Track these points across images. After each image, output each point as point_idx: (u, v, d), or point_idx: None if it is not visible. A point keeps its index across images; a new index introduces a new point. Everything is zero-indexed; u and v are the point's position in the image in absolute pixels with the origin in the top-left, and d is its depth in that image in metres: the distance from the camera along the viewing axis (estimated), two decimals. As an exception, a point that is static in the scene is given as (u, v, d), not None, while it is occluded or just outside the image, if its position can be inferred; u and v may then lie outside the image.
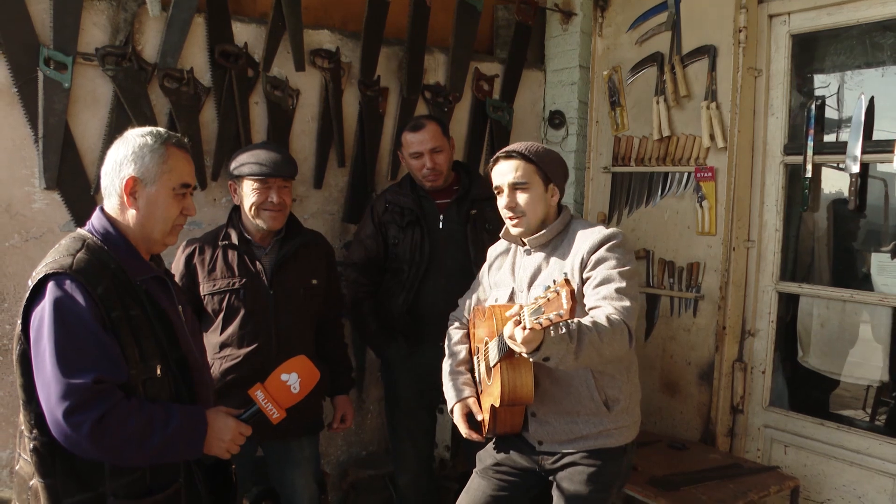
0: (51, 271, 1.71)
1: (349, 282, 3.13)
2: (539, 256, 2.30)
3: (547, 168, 2.24)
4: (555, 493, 2.31)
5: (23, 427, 1.78)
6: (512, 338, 1.84)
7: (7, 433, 2.71)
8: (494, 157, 2.30)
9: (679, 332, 3.52)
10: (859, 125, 2.95)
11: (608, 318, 1.96)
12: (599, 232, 2.18)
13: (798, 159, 3.17)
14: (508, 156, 2.25)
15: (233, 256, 2.62)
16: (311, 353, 2.70)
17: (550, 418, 2.27)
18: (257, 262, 2.62)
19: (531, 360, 1.89)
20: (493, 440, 2.47)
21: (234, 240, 2.62)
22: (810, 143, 3.10)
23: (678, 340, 3.53)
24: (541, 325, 1.75)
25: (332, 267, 2.88)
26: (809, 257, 3.40)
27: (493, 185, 2.30)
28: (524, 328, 1.79)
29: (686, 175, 3.45)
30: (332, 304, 2.89)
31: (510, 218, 2.28)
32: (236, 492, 2.10)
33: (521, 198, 2.24)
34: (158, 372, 1.81)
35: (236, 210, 2.70)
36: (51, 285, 1.70)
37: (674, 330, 3.54)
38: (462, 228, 3.00)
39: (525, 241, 2.32)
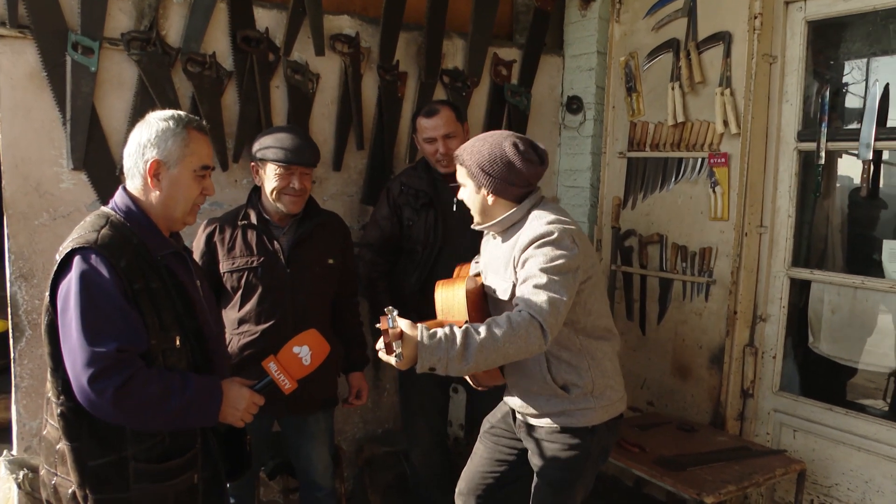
0: (77, 245, 1.80)
1: (365, 262, 3.21)
2: (498, 242, 2.36)
3: (475, 174, 2.25)
4: (532, 467, 2.40)
5: (50, 394, 1.88)
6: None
7: (37, 404, 2.82)
8: None
9: (691, 316, 3.56)
10: (873, 112, 2.95)
11: (509, 317, 1.99)
12: (536, 229, 2.16)
13: (812, 146, 3.17)
14: (455, 155, 2.34)
15: (251, 235, 2.69)
16: (326, 330, 2.79)
17: (515, 392, 2.37)
18: (275, 242, 2.69)
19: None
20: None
21: (253, 220, 2.69)
22: (824, 130, 3.11)
23: (690, 324, 3.56)
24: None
25: (348, 247, 2.95)
26: (822, 244, 3.41)
27: None
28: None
29: (700, 161, 3.47)
30: (348, 283, 2.96)
31: None
32: (250, 460, 2.20)
33: (462, 192, 2.35)
34: (177, 342, 1.90)
35: (256, 191, 2.77)
36: (77, 259, 1.78)
37: (686, 314, 3.58)
38: None
39: (479, 228, 2.38)
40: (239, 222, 2.71)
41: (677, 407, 3.63)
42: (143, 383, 1.77)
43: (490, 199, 2.26)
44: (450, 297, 2.22)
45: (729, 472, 2.89)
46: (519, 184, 2.24)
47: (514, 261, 2.19)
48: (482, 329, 1.97)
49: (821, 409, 3.23)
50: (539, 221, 2.19)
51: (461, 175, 2.32)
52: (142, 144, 1.93)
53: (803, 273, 3.30)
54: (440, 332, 1.96)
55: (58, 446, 1.88)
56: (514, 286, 2.18)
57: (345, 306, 2.97)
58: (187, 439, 1.95)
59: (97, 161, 2.87)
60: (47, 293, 1.84)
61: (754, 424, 3.45)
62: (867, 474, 3.08)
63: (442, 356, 1.93)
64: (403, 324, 1.96)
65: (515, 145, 2.22)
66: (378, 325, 1.94)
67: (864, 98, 3.09)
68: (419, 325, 1.98)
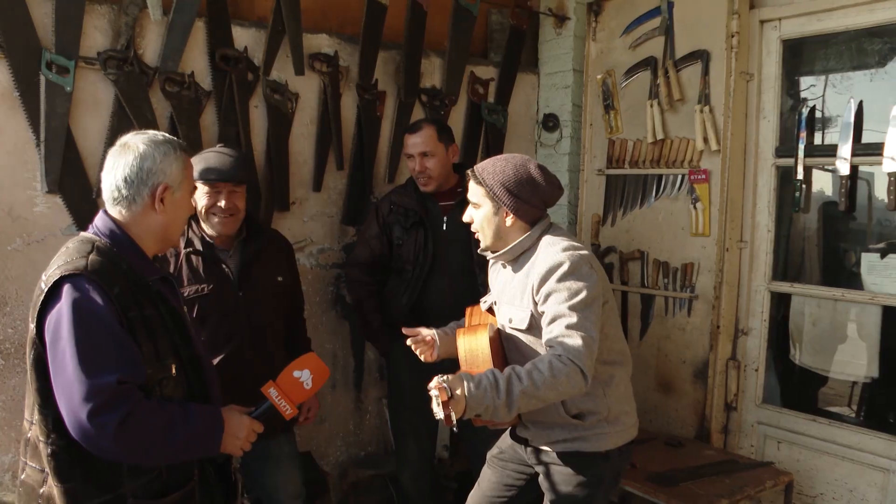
0: (66, 273, 1.70)
1: (353, 281, 3.19)
2: (509, 271, 2.33)
3: (497, 193, 2.20)
4: (544, 491, 2.37)
5: (31, 433, 1.77)
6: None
7: (9, 437, 2.71)
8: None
9: (674, 331, 3.58)
10: (849, 128, 3.02)
11: (551, 365, 1.97)
12: (550, 258, 2.13)
13: (789, 162, 3.24)
14: (469, 173, 2.29)
15: (197, 262, 2.58)
16: (281, 350, 2.74)
17: (529, 424, 2.34)
18: (223, 266, 2.60)
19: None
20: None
21: (198, 245, 2.59)
22: (801, 146, 3.17)
23: (673, 339, 3.59)
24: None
25: (293, 263, 2.89)
26: (801, 257, 3.47)
27: None
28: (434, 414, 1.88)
29: (680, 177, 3.51)
30: (296, 301, 2.92)
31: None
32: (237, 491, 2.12)
33: (475, 214, 2.29)
34: (174, 371, 1.83)
35: (194, 216, 2.63)
36: (67, 287, 1.69)
37: (668, 329, 3.60)
38: (465, 230, 3.03)
39: (490, 257, 2.35)
40: (183, 249, 2.58)
41: (662, 422, 3.64)
42: (144, 416, 1.68)
43: (509, 220, 2.22)
44: (474, 348, 2.18)
45: (720, 486, 2.91)
46: (538, 206, 2.23)
47: (532, 289, 2.16)
48: (524, 376, 1.95)
49: (804, 420, 3.27)
50: (554, 248, 2.17)
51: (477, 195, 2.26)
52: (145, 170, 1.84)
53: (783, 286, 3.36)
54: (484, 380, 1.93)
55: (41, 490, 1.76)
56: (532, 315, 2.17)
57: (294, 324, 2.91)
58: (185, 471, 1.88)
59: (73, 184, 2.78)
60: (33, 325, 1.73)
61: (738, 437, 3.48)
62: (851, 483, 3.12)
63: (489, 405, 1.91)
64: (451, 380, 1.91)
65: (539, 166, 2.23)
66: (436, 395, 1.86)
67: (837, 114, 3.17)
68: (462, 375, 1.94)
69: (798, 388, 3.49)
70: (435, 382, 1.87)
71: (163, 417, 1.72)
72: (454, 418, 1.86)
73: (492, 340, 2.21)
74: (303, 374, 2.01)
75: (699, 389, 3.49)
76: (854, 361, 3.28)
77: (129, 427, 1.65)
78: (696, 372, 3.50)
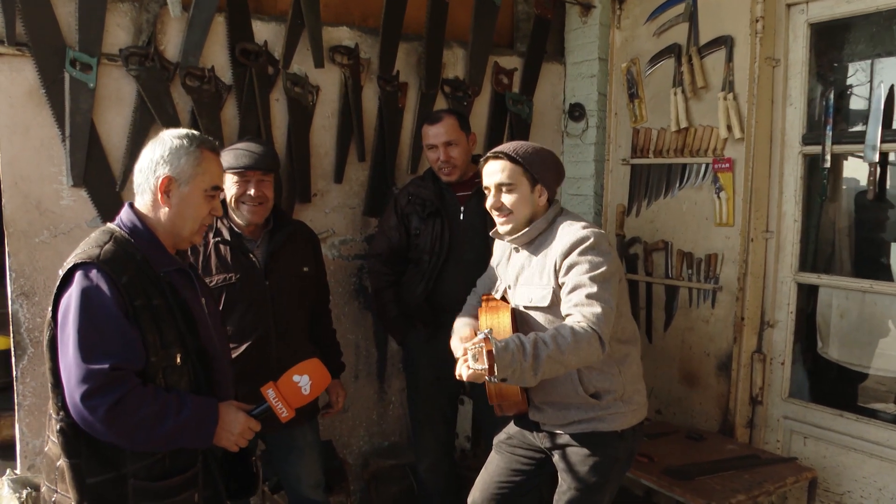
0: (79, 261, 1.81)
1: (374, 272, 3.22)
2: (524, 254, 2.36)
3: (534, 169, 2.27)
4: (559, 472, 2.39)
5: (51, 410, 1.87)
6: (461, 375, 1.92)
7: (40, 422, 2.81)
8: (484, 156, 2.36)
9: (698, 323, 3.52)
10: (879, 114, 2.92)
11: (573, 330, 2.00)
12: (573, 234, 2.20)
13: (817, 149, 3.14)
14: (496, 156, 2.31)
15: (225, 251, 2.63)
16: (306, 340, 2.80)
17: (545, 406, 2.36)
18: (250, 255, 2.65)
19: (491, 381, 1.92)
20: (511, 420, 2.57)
21: (226, 235, 2.64)
22: (829, 133, 3.07)
23: (697, 331, 3.53)
24: (468, 368, 1.87)
25: (318, 254, 2.93)
26: (830, 248, 3.37)
27: (483, 185, 2.36)
28: (468, 367, 1.88)
29: (704, 166, 3.44)
30: (321, 291, 2.95)
31: (497, 217, 2.35)
32: (258, 482, 2.17)
33: (507, 198, 2.31)
34: (178, 360, 1.89)
35: (223, 206, 2.70)
36: (78, 274, 1.80)
37: (692, 321, 3.54)
38: (481, 220, 3.04)
39: (508, 239, 2.38)
40: (211, 239, 2.64)
41: (685, 415, 3.59)
42: (136, 403, 1.76)
43: (542, 199, 2.31)
44: (495, 325, 2.24)
45: (739, 481, 2.85)
46: (558, 185, 2.35)
47: (554, 265, 2.21)
48: (549, 340, 1.98)
49: (831, 415, 3.18)
50: (574, 227, 2.23)
51: (512, 175, 2.29)
52: (154, 161, 1.94)
53: (811, 278, 3.26)
54: (511, 343, 1.93)
55: (58, 463, 1.87)
56: (554, 291, 2.21)
57: (319, 314, 2.96)
58: (188, 457, 1.94)
59: (97, 177, 2.87)
60: (49, 308, 1.84)
61: (764, 432, 3.40)
62: (881, 481, 3.03)
63: (515, 368, 1.92)
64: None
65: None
66: (480, 346, 1.87)
67: (869, 100, 3.06)
68: (488, 336, 1.95)
69: (825, 383, 3.39)
70: (478, 337, 1.88)
71: (155, 405, 1.79)
72: (496, 370, 1.86)
73: (512, 317, 2.28)
74: (302, 380, 2.03)
75: (723, 382, 3.42)
76: (885, 355, 3.17)
77: (119, 411, 1.74)
78: (720, 365, 3.43)
